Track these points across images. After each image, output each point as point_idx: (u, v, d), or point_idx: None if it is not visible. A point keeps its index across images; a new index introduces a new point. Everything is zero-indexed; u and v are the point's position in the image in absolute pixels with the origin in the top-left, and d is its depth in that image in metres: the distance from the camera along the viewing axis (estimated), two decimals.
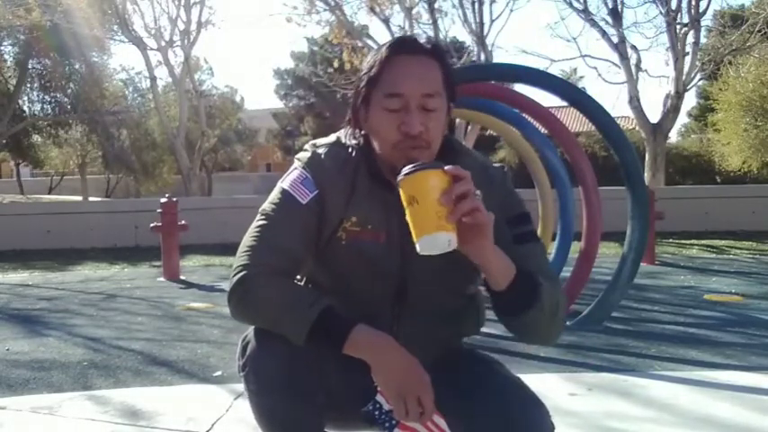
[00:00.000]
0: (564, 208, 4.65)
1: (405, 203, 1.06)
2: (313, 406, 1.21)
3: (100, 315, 4.39)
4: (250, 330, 1.25)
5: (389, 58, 1.22)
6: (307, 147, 1.34)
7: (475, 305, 1.38)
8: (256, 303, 1.19)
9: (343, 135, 1.33)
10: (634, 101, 12.28)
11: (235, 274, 1.21)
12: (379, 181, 1.26)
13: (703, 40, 14.26)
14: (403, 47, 1.24)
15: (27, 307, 4.77)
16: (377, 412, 1.18)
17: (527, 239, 1.25)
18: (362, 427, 1.31)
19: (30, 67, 18.45)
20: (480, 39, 12.88)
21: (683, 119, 31.64)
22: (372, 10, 12.94)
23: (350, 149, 1.29)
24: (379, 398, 1.18)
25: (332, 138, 1.34)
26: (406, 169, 1.06)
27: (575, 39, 28.76)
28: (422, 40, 1.26)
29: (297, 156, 1.34)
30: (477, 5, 12.83)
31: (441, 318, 1.32)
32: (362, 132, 1.28)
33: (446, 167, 1.06)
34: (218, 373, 2.94)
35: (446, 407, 1.19)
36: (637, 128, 13.57)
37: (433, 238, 1.03)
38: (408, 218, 1.06)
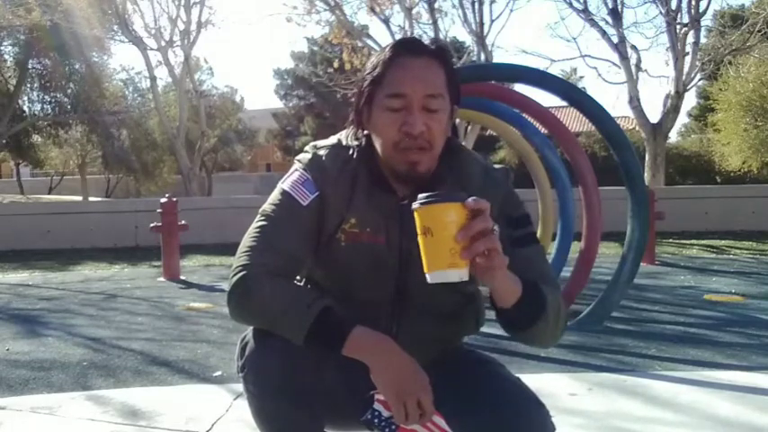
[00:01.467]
0: (564, 208, 4.65)
1: (418, 231, 1.02)
2: (312, 407, 1.21)
3: (100, 315, 4.39)
4: (249, 331, 1.25)
5: (393, 58, 1.22)
6: (307, 148, 1.34)
7: (475, 304, 1.37)
8: (255, 304, 1.19)
9: (344, 137, 1.33)
10: (634, 101, 12.28)
11: (234, 275, 1.21)
12: (380, 183, 1.26)
13: (703, 40, 14.29)
14: (406, 48, 1.24)
15: (27, 307, 4.77)
16: (376, 420, 1.17)
17: (527, 242, 1.25)
18: (362, 428, 1.31)
19: (30, 67, 18.43)
20: (480, 39, 12.88)
21: (683, 119, 31.71)
22: (372, 10, 12.94)
23: (351, 151, 1.29)
24: (377, 406, 1.17)
25: (333, 139, 1.34)
26: (422, 197, 1.01)
27: (575, 39, 28.96)
28: (426, 41, 1.26)
29: (297, 157, 1.34)
30: (477, 5, 12.83)
31: (440, 318, 1.32)
32: (365, 133, 1.28)
33: (467, 201, 1.01)
34: (218, 373, 2.94)
35: (446, 408, 1.19)
36: (637, 128, 13.56)
37: (444, 274, 1.00)
38: (421, 246, 1.02)
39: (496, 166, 1.36)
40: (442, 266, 1.00)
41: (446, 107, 1.23)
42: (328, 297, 1.20)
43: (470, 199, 1.01)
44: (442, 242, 0.99)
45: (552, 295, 1.18)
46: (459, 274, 1.00)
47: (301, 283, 1.35)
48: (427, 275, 1.02)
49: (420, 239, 1.02)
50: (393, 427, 1.17)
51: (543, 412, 1.17)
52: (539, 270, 1.22)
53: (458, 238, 0.99)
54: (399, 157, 1.21)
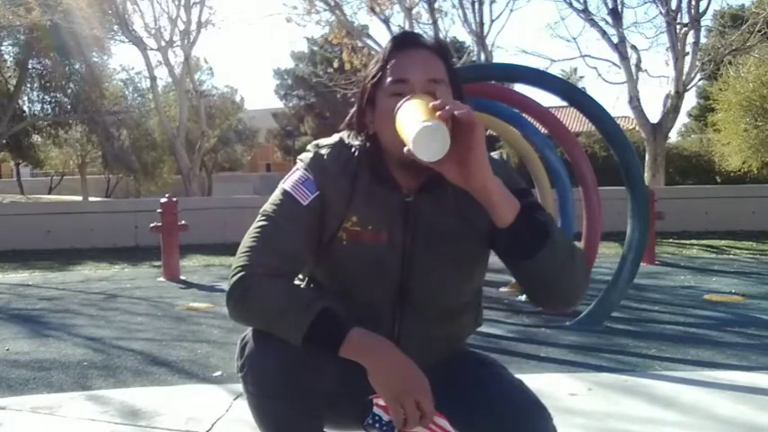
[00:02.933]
0: (564, 208, 4.65)
1: (399, 126, 1.13)
2: (311, 407, 1.21)
3: (100, 315, 4.39)
4: (249, 331, 1.24)
5: (393, 52, 1.24)
6: (309, 147, 1.33)
7: (474, 304, 1.37)
8: (254, 304, 1.18)
9: (346, 135, 1.32)
10: (634, 101, 12.28)
11: (233, 275, 1.20)
12: (383, 181, 1.25)
13: (703, 40, 14.28)
14: (406, 41, 1.26)
15: (27, 307, 4.76)
16: (377, 425, 1.16)
17: (536, 209, 1.21)
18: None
19: (30, 67, 18.43)
20: (480, 39, 12.90)
21: (683, 119, 31.68)
22: (372, 10, 12.95)
23: (353, 150, 1.29)
24: (376, 410, 1.16)
25: (335, 138, 1.33)
26: (402, 101, 1.16)
27: (575, 39, 28.86)
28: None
29: (299, 156, 1.33)
30: (477, 5, 12.86)
31: (442, 318, 1.31)
32: (369, 133, 1.27)
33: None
34: (218, 373, 2.94)
35: (447, 411, 1.18)
36: (637, 128, 13.56)
37: (424, 126, 1.05)
38: (400, 127, 1.12)
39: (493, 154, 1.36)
40: (419, 120, 1.07)
41: (449, 94, 1.22)
42: (328, 297, 1.19)
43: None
44: (421, 105, 1.11)
45: (561, 234, 1.16)
46: (437, 123, 1.06)
47: (303, 283, 1.35)
48: (411, 144, 1.06)
49: (400, 126, 1.13)
50: (394, 431, 1.16)
51: (545, 417, 1.17)
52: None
53: (431, 104, 1.09)
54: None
